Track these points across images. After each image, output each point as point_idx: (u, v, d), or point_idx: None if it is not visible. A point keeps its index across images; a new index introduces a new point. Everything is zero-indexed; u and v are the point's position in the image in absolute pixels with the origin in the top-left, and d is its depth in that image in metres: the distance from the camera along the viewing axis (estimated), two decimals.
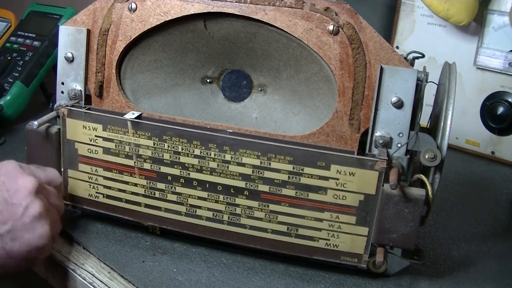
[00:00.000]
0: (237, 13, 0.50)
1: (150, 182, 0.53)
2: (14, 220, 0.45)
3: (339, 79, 0.49)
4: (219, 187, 0.51)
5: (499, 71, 0.79)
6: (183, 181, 0.52)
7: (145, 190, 0.53)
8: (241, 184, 0.50)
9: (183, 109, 0.56)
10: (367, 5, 0.93)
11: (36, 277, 0.58)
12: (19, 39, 0.87)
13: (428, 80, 0.49)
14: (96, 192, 0.55)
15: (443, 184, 0.72)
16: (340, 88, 0.49)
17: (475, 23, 0.80)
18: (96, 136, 0.53)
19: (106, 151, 0.53)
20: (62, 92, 0.56)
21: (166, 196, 0.53)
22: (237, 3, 0.50)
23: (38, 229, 0.46)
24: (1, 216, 0.45)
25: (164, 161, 0.52)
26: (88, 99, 0.55)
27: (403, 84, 0.47)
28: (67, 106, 0.54)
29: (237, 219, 0.51)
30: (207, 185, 0.51)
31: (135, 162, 0.53)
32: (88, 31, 0.54)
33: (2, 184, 0.47)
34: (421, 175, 0.48)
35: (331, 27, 0.48)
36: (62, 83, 0.55)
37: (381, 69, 0.47)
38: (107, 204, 0.55)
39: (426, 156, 0.47)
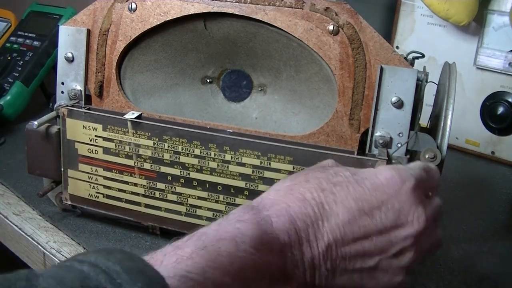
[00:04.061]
0: (237, 13, 0.50)
1: (150, 182, 0.53)
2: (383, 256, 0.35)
3: (339, 79, 0.49)
4: (219, 187, 0.51)
5: (499, 71, 0.79)
6: (183, 181, 0.52)
7: (145, 190, 0.53)
8: (241, 184, 0.50)
9: (183, 109, 0.56)
10: (367, 5, 0.93)
11: None
12: (19, 39, 0.87)
13: (428, 80, 0.49)
14: (96, 192, 0.55)
15: (443, 184, 0.72)
16: (340, 88, 0.49)
17: (475, 23, 0.80)
18: (96, 136, 0.53)
19: (106, 151, 0.53)
20: (62, 92, 0.56)
21: (166, 196, 0.53)
22: (237, 3, 0.50)
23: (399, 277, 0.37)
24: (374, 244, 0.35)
25: (164, 161, 0.52)
26: (88, 99, 0.55)
27: (403, 84, 0.47)
28: (67, 106, 0.54)
29: None
30: (207, 185, 0.51)
31: (135, 162, 0.53)
32: (88, 31, 0.54)
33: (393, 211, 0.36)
34: None
35: (331, 27, 0.48)
36: (62, 83, 0.55)
37: (381, 69, 0.47)
38: (107, 204, 0.55)
39: (426, 156, 0.47)
